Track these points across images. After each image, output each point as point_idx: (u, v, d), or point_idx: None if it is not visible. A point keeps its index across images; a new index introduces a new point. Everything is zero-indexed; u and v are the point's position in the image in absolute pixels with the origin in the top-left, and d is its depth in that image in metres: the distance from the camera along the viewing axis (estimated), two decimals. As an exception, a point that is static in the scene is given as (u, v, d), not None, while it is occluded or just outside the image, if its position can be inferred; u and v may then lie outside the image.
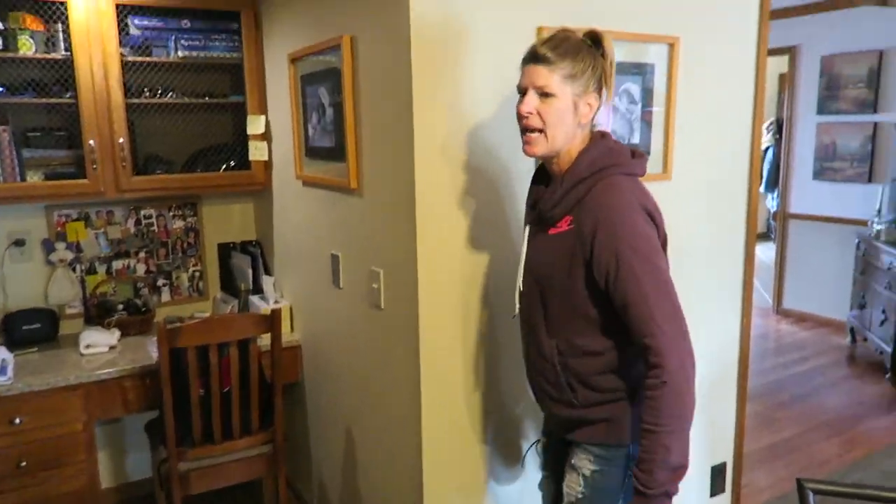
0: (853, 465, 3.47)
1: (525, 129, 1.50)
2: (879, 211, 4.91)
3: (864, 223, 5.11)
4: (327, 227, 2.46)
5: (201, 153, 2.98)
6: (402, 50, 1.82)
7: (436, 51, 1.83)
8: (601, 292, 1.47)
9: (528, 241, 1.65)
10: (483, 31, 1.89)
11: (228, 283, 3.20)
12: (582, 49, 1.48)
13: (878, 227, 4.83)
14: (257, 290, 2.99)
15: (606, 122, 2.14)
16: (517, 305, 1.68)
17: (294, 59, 2.50)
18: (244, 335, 2.38)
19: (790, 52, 5.68)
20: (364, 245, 2.20)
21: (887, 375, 4.51)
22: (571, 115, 1.48)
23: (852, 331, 5.16)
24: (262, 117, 2.88)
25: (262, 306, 2.81)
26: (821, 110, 5.53)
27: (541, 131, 1.47)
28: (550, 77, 1.45)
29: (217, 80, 3.02)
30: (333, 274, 2.42)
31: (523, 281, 1.64)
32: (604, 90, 1.52)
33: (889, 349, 4.47)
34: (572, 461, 1.64)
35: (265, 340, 2.52)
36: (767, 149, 7.64)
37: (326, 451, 2.72)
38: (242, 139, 2.95)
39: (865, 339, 4.93)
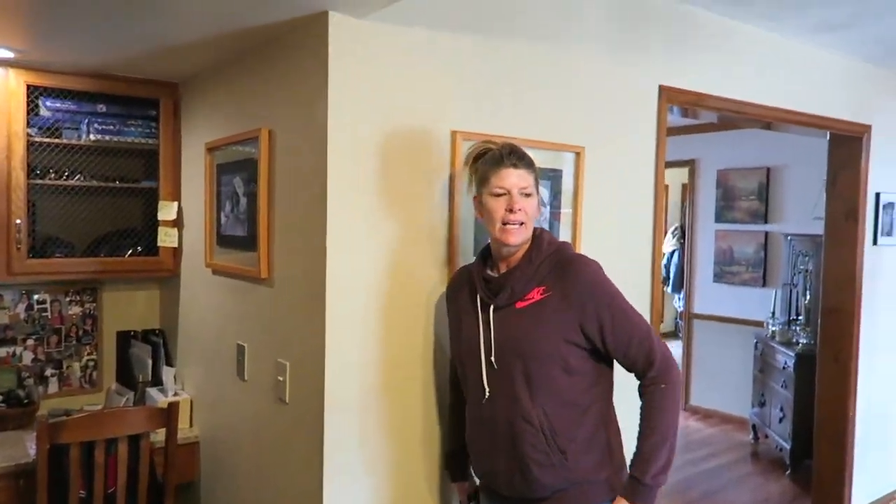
0: (759, 564, 3.50)
1: (509, 222, 1.71)
2: (773, 313, 5.23)
3: (761, 324, 5.41)
4: (235, 317, 2.39)
5: (106, 237, 2.88)
6: (320, 145, 1.86)
7: (352, 148, 1.87)
8: (581, 344, 1.69)
9: (492, 320, 1.74)
10: (400, 132, 1.95)
11: (126, 374, 3.01)
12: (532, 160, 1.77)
13: (773, 329, 5.13)
14: (157, 381, 2.83)
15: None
16: (486, 389, 1.72)
17: (211, 148, 2.51)
18: (136, 430, 2.24)
19: (690, 164, 6.14)
20: (271, 336, 2.14)
21: (787, 472, 4.65)
22: (539, 211, 1.79)
23: (754, 428, 5.33)
24: (175, 204, 2.83)
25: (159, 399, 2.66)
26: (718, 218, 5.94)
27: (521, 224, 1.71)
28: (530, 179, 1.74)
29: (130, 165, 2.96)
30: (238, 365, 2.33)
31: (496, 358, 1.70)
32: None
33: (788, 446, 4.64)
34: None
35: (160, 436, 2.36)
36: (674, 252, 8.08)
37: (220, 560, 2.52)
38: (152, 224, 2.88)
39: (767, 436, 5.11)
